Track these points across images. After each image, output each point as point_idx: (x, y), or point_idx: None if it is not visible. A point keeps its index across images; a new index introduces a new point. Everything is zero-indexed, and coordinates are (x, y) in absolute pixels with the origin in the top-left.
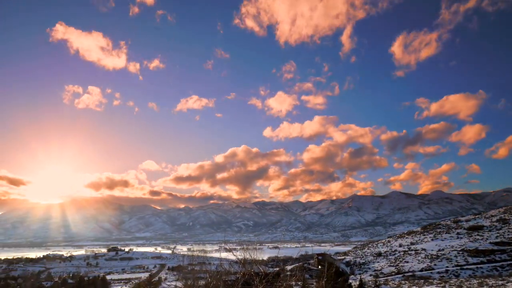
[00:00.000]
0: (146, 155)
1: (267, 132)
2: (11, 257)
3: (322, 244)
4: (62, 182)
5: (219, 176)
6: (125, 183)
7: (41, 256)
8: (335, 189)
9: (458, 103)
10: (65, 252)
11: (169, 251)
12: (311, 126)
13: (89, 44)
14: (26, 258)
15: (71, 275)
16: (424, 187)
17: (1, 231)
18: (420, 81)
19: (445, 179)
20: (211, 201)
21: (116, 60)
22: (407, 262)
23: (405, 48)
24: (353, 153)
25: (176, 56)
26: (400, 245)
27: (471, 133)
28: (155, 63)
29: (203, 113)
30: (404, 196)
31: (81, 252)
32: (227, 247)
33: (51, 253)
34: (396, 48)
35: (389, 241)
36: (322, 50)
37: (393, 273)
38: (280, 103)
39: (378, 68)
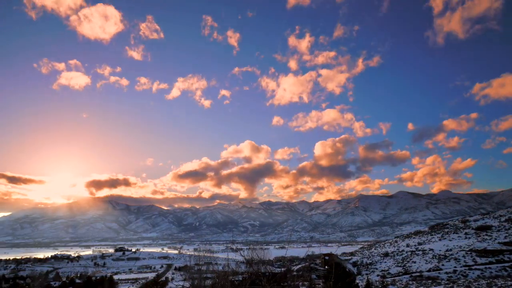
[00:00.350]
0: (146, 152)
1: (277, 120)
2: (20, 257)
3: (329, 244)
4: (63, 181)
5: (224, 172)
6: (127, 182)
7: (49, 256)
8: (350, 186)
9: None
10: (72, 252)
11: (176, 251)
12: (329, 115)
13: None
14: (34, 258)
15: (78, 275)
16: (446, 184)
17: (10, 231)
18: (466, 53)
19: (468, 175)
20: (217, 201)
21: (101, 27)
22: (415, 262)
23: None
24: (370, 147)
25: (170, 20)
26: (408, 245)
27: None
28: (143, 27)
29: (204, 94)
30: (411, 196)
31: (88, 252)
32: (234, 247)
33: (59, 253)
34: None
35: (396, 241)
36: (345, 14)
37: (400, 273)
38: (293, 84)
39: (412, 36)
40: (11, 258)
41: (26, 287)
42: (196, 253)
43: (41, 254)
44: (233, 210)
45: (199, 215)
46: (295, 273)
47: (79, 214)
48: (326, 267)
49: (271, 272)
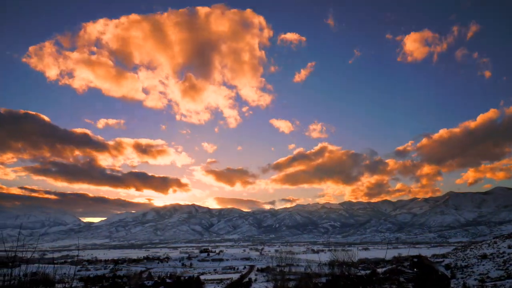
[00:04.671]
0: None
1: None
2: (117, 258)
3: (417, 246)
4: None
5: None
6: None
7: (142, 257)
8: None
9: None
10: (162, 254)
11: (257, 253)
12: None
13: None
14: (129, 259)
15: (168, 275)
16: None
17: (107, 234)
18: None
19: None
20: (296, 202)
21: None
22: None
23: None
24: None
25: None
26: (509, 247)
27: None
28: None
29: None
30: (511, 192)
31: (176, 253)
32: (315, 249)
33: (150, 254)
34: None
35: (495, 242)
36: None
37: (502, 277)
38: None
39: None
40: (110, 259)
41: (124, 285)
42: (277, 255)
43: (135, 255)
44: (312, 211)
45: (278, 217)
46: (381, 275)
47: (166, 218)
48: (415, 269)
49: (355, 274)
